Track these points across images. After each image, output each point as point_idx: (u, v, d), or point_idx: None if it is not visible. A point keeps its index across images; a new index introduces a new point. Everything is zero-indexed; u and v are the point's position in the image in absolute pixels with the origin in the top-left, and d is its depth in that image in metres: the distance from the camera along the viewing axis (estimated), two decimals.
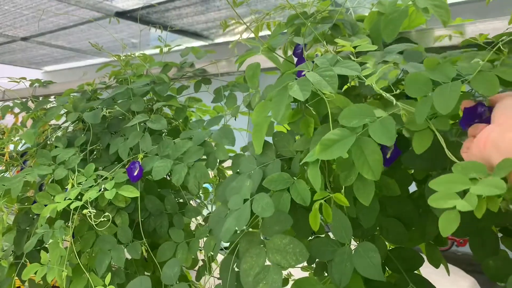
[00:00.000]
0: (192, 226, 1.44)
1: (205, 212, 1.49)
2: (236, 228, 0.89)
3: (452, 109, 0.63)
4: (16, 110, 1.75)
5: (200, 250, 1.31)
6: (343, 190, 0.85)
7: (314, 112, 0.93)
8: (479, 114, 0.69)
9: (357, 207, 0.94)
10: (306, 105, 0.94)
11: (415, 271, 1.06)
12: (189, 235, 1.29)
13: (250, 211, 0.89)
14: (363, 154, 0.72)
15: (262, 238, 0.97)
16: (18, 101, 1.76)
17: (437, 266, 1.15)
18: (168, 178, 1.51)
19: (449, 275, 1.21)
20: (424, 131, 0.73)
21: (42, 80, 1.90)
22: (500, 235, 0.97)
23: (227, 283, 1.09)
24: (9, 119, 1.80)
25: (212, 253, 1.22)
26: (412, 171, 1.06)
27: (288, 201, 0.91)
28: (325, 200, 0.86)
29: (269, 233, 0.93)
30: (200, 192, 1.52)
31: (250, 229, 1.00)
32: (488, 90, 0.66)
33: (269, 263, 0.89)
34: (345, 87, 1.05)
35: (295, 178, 0.94)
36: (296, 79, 0.85)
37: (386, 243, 1.06)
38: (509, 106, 0.63)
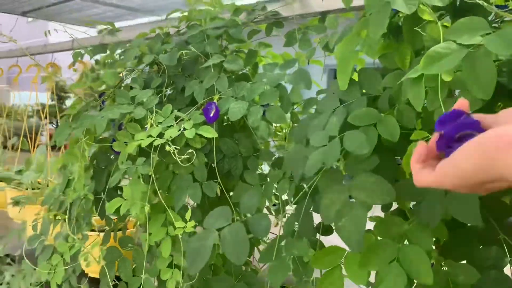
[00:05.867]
0: None
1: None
2: (323, 163, 0.87)
3: None
4: (86, 58, 1.79)
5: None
6: None
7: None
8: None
9: None
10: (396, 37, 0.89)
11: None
12: (260, 179, 1.29)
13: (340, 149, 0.87)
14: (475, 70, 0.66)
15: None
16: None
17: None
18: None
19: None
20: None
21: (109, 28, 1.91)
22: None
23: (303, 226, 1.09)
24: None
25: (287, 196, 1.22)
26: None
27: (375, 137, 0.87)
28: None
29: (354, 171, 0.90)
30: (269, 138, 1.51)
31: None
32: None
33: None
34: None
35: (382, 114, 0.90)
36: None
37: None
38: None
